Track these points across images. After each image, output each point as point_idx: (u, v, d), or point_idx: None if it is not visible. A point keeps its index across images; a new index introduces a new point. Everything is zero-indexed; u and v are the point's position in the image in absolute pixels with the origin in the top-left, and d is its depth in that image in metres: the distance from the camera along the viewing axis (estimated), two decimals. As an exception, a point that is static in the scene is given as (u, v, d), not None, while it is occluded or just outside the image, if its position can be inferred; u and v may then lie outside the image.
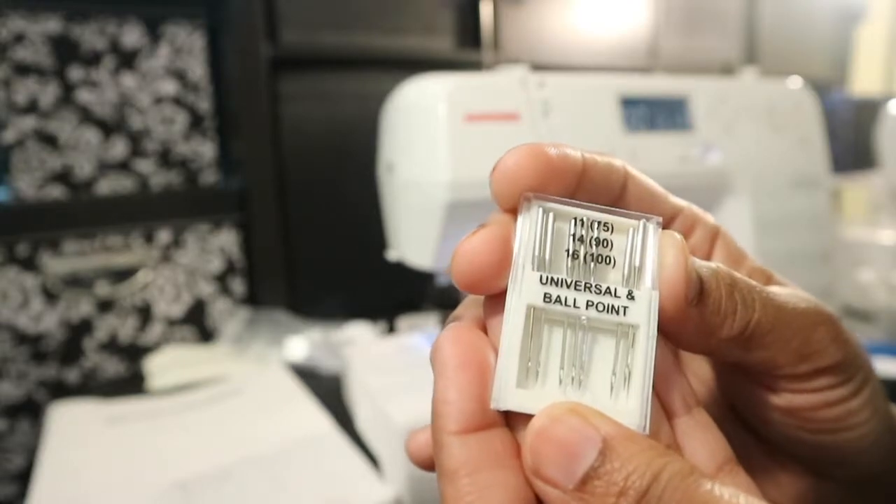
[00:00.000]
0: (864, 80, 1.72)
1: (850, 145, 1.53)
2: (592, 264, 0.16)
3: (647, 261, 0.16)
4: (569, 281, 0.16)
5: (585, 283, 0.16)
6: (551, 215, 0.16)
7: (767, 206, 0.61)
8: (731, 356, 0.17)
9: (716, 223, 0.21)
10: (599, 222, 0.16)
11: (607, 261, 0.16)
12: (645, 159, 0.55)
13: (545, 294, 0.15)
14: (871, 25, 1.65)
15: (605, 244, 0.16)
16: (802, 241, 0.63)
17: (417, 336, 0.64)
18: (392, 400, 0.50)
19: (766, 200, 0.61)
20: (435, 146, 0.49)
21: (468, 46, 0.96)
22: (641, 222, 0.16)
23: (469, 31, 0.96)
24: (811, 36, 1.45)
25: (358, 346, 0.71)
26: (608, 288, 0.16)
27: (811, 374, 0.17)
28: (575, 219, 0.16)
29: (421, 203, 0.51)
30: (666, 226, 0.19)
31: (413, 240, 0.54)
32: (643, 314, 0.16)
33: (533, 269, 0.16)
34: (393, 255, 0.59)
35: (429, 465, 0.18)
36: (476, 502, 0.14)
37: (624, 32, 1.13)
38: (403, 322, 0.81)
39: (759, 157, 0.62)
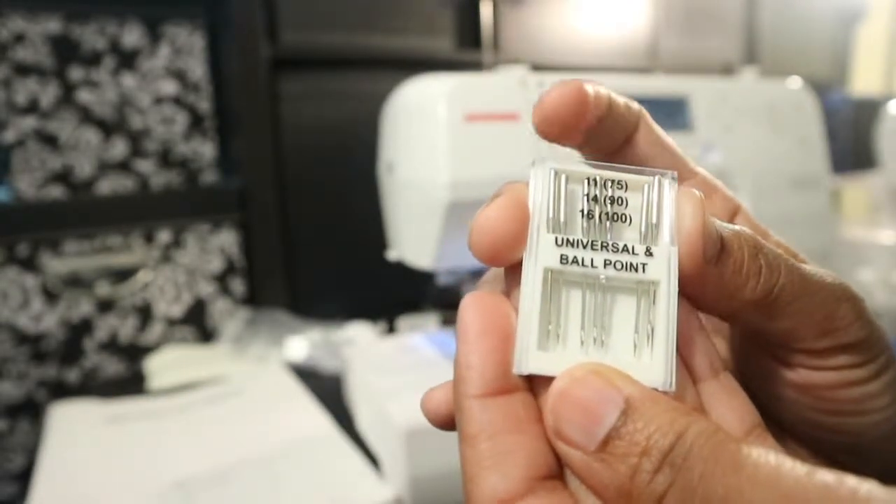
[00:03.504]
0: (864, 80, 1.72)
1: (850, 145, 1.53)
2: (608, 223, 0.16)
3: (665, 217, 0.16)
4: (585, 241, 0.15)
5: (602, 243, 0.15)
6: (564, 177, 0.16)
7: (767, 206, 0.61)
8: (752, 322, 0.17)
9: (734, 197, 0.20)
10: (613, 181, 0.16)
11: (623, 219, 0.16)
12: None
13: (561, 255, 0.15)
14: (871, 25, 1.65)
15: (619, 202, 0.16)
16: (802, 241, 0.63)
17: (417, 336, 0.64)
18: (392, 400, 0.50)
19: (766, 200, 0.61)
20: (435, 146, 0.49)
21: (468, 46, 0.96)
22: (656, 178, 0.16)
23: (469, 31, 0.96)
24: (811, 36, 1.45)
25: (358, 346, 0.71)
26: (625, 246, 0.15)
27: (832, 351, 0.17)
28: (588, 178, 0.16)
29: (421, 203, 0.51)
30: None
31: (413, 240, 0.55)
32: (663, 270, 0.15)
33: (548, 231, 0.15)
34: (393, 255, 0.59)
35: (443, 423, 0.18)
36: (495, 466, 0.14)
37: (624, 32, 1.13)
38: (403, 322, 0.81)
39: (759, 157, 0.62)
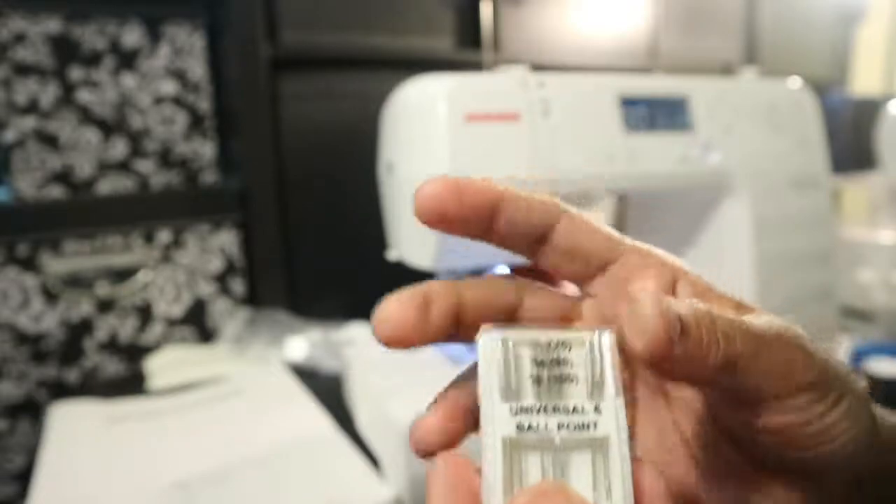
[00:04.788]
0: (864, 80, 1.72)
1: (850, 145, 1.53)
2: (556, 385, 0.17)
3: (606, 370, 0.17)
4: (537, 406, 0.17)
5: (553, 406, 0.17)
6: (510, 344, 0.17)
7: (767, 206, 0.61)
8: (719, 384, 0.18)
9: (675, 261, 0.21)
10: (557, 342, 0.18)
11: (569, 378, 0.17)
12: (645, 159, 0.55)
13: (517, 424, 0.16)
14: (871, 25, 1.65)
15: (564, 363, 0.17)
16: (802, 241, 0.63)
17: (417, 336, 0.64)
18: (392, 400, 0.50)
19: (766, 200, 0.61)
20: (435, 146, 0.49)
21: (468, 46, 0.96)
22: (596, 332, 0.18)
23: (469, 31, 0.96)
24: (811, 36, 1.45)
25: (358, 346, 0.71)
26: (575, 406, 0.17)
27: (791, 394, 0.18)
28: (533, 343, 0.17)
29: (421, 203, 0.51)
30: (620, 264, 0.20)
31: (413, 240, 0.55)
32: (611, 424, 0.17)
33: (502, 400, 0.17)
34: (393, 255, 0.59)
35: (433, 452, 0.19)
36: None
37: (624, 32, 1.13)
38: (403, 322, 0.81)
39: (759, 157, 0.62)
